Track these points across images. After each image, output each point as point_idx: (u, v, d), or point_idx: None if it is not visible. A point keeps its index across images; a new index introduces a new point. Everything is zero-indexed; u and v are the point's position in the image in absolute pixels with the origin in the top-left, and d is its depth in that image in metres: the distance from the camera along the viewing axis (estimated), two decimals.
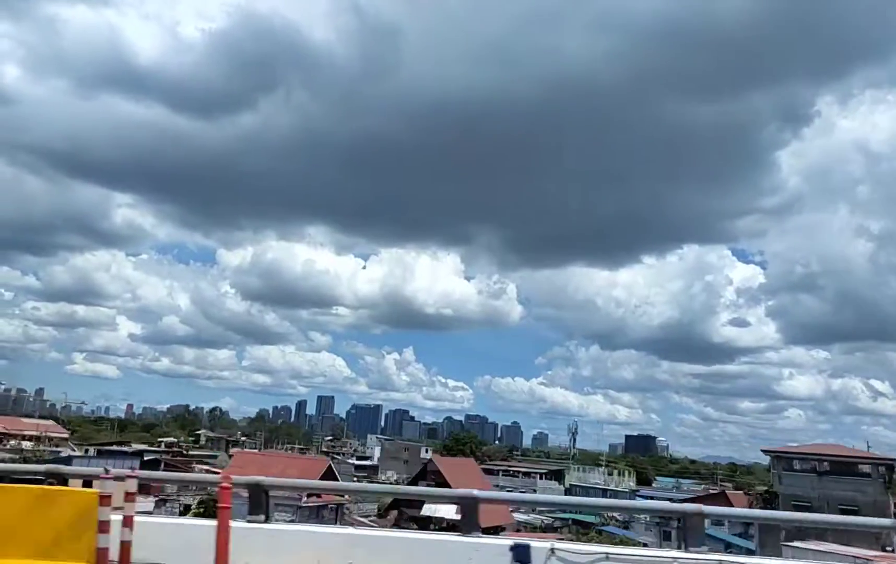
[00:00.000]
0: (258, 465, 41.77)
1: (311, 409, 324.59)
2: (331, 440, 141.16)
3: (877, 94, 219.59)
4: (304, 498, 31.76)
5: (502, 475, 73.26)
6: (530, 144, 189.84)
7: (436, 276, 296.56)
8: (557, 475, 72.40)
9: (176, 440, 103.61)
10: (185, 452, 75.47)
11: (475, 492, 7.13)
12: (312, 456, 69.38)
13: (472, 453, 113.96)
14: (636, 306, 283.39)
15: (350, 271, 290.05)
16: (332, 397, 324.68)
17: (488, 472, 72.01)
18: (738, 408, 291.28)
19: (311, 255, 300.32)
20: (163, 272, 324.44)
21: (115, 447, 61.00)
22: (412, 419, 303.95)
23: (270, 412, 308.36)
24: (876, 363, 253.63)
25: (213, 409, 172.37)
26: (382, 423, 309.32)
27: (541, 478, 70.21)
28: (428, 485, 29.28)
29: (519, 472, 78.06)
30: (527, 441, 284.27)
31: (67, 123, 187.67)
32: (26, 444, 59.57)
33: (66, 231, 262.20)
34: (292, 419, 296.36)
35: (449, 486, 27.77)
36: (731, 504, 45.65)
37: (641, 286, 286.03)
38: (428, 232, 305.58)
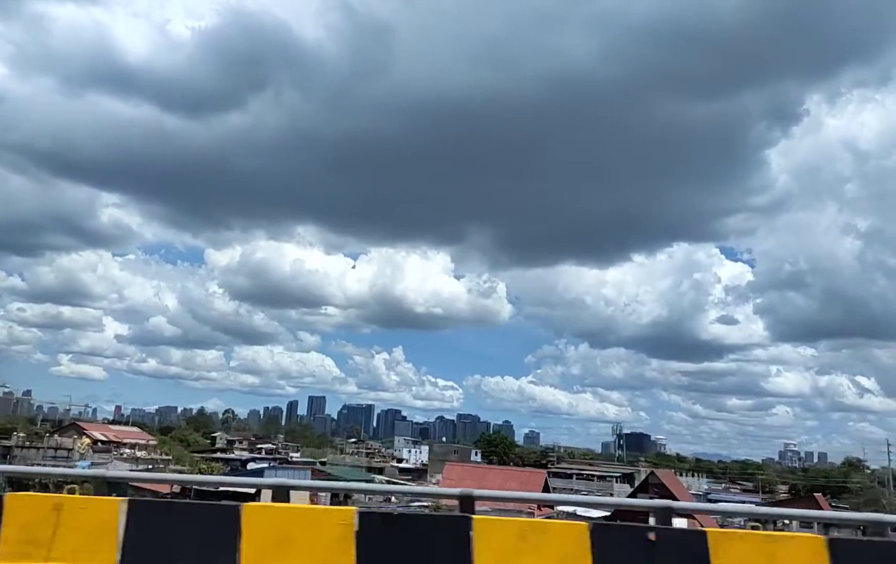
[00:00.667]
0: (474, 478, 43.52)
1: (302, 409, 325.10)
2: (354, 443, 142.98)
3: (865, 93, 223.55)
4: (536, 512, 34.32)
5: (576, 478, 75.71)
6: (524, 143, 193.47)
7: (426, 275, 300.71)
8: (628, 479, 75.44)
9: (275, 446, 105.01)
10: (289, 458, 77.92)
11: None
12: (521, 469, 67.79)
13: (504, 454, 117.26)
14: (625, 305, 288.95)
15: (339, 270, 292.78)
16: (324, 397, 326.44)
17: (555, 475, 74.78)
18: (727, 405, 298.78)
19: (300, 254, 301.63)
20: (150, 273, 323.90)
21: (219, 455, 63.35)
22: (404, 418, 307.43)
23: (261, 412, 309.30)
24: (862, 360, 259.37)
25: (226, 411, 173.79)
26: (375, 423, 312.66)
27: (616, 482, 73.13)
28: (651, 498, 32.75)
29: (593, 476, 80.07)
30: (518, 440, 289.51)
31: (54, 121, 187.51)
32: (140, 453, 62.34)
33: (51, 231, 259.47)
34: (284, 420, 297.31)
35: (675, 499, 31.47)
36: (820, 508, 50.61)
37: (631, 285, 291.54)
38: (419, 231, 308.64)
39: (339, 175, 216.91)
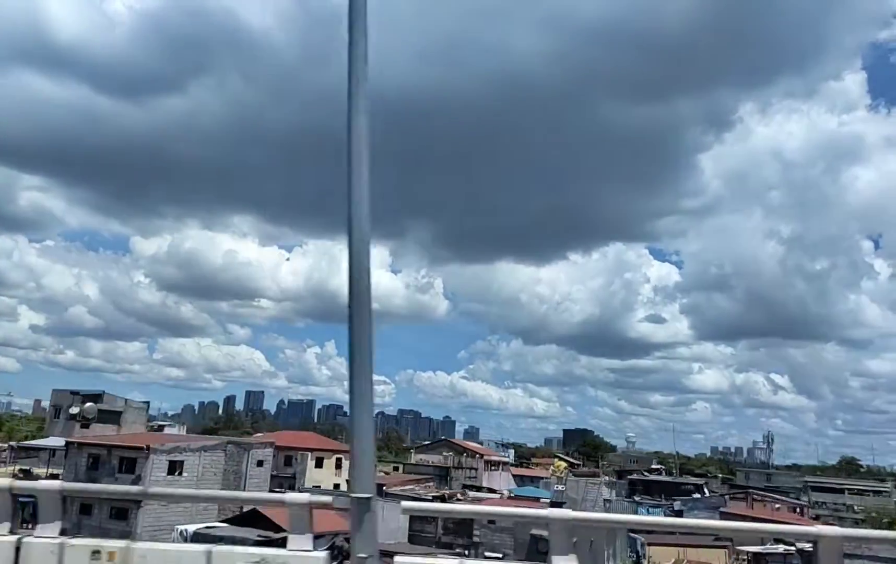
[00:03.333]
0: None
1: (239, 404, 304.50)
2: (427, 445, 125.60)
3: (793, 103, 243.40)
4: None
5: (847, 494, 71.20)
6: (468, 140, 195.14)
7: None
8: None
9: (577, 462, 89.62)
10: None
11: None
12: None
13: (599, 460, 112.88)
14: (559, 303, 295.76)
15: (274, 262, 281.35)
16: (262, 392, 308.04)
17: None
18: (650, 401, 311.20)
19: (232, 245, 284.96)
20: (70, 260, 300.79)
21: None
22: (345, 414, 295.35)
23: (196, 407, 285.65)
24: (777, 358, 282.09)
25: (256, 409, 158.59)
26: (316, 418, 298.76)
27: None
28: None
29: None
30: (458, 436, 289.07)
31: None
32: None
33: None
34: (220, 414, 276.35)
35: None
36: None
37: (564, 283, 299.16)
38: None
39: (279, 165, 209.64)
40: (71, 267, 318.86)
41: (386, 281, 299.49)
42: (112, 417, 50.31)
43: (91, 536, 4.81)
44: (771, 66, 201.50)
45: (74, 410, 48.12)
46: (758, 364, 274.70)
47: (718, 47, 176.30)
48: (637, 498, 62.66)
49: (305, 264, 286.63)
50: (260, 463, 42.25)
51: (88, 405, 48.60)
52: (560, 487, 59.43)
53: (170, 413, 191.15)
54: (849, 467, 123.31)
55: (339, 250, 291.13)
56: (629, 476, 66.70)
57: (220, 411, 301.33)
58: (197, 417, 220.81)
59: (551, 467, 64.24)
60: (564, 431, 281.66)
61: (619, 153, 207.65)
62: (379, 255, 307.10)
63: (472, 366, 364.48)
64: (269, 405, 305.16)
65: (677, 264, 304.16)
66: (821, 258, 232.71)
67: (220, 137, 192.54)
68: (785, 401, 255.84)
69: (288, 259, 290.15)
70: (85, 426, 47.88)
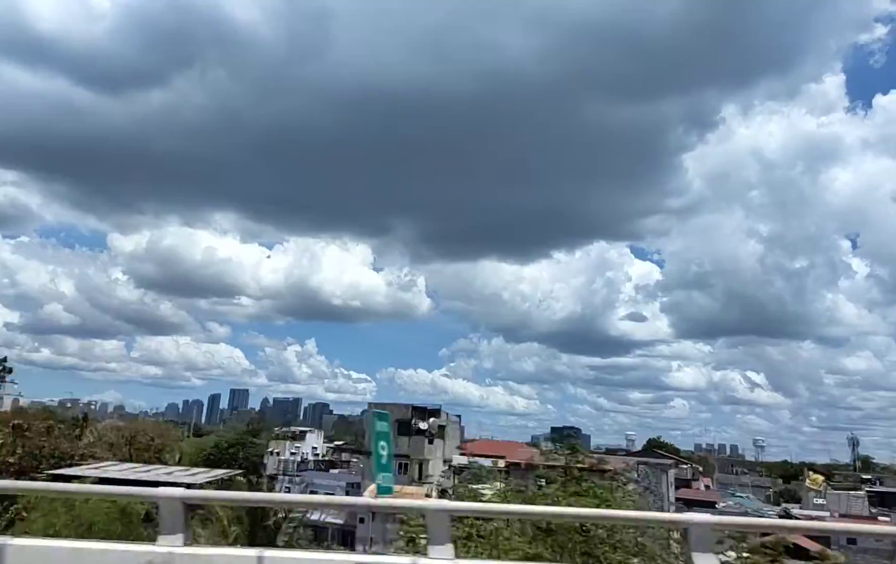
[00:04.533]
0: None
1: (223, 403, 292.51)
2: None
3: (774, 105, 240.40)
4: None
5: None
6: (454, 137, 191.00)
7: (344, 267, 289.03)
8: None
9: None
10: None
11: None
12: None
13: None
14: (540, 301, 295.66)
15: (254, 259, 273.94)
16: (247, 390, 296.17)
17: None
18: (629, 399, 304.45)
19: (212, 242, 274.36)
20: (46, 257, 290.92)
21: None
22: (331, 412, 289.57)
23: (180, 406, 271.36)
24: (754, 356, 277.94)
25: (244, 407, 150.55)
26: (301, 417, 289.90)
27: None
28: None
29: None
30: None
31: None
32: None
33: None
34: (204, 414, 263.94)
35: None
36: None
37: (547, 281, 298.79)
38: (343, 222, 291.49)
39: (263, 161, 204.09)
40: (46, 264, 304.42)
41: (368, 279, 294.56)
42: (438, 431, 47.30)
43: None
44: (754, 68, 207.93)
45: (424, 426, 44.88)
46: (735, 362, 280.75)
47: (703, 49, 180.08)
48: (874, 511, 63.75)
49: (286, 261, 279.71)
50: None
51: (432, 420, 45.48)
52: (820, 500, 60.02)
53: (150, 412, 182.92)
54: (865, 466, 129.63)
55: (319, 248, 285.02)
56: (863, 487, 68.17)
57: (205, 409, 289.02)
58: (191, 416, 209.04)
59: (807, 480, 64.63)
60: (552, 429, 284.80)
61: (605, 152, 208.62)
62: (361, 253, 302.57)
63: (454, 364, 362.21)
64: (254, 404, 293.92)
65: (659, 263, 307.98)
66: (799, 257, 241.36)
67: (203, 133, 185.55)
68: (761, 398, 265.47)
69: (269, 257, 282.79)
70: (430, 441, 44.83)
